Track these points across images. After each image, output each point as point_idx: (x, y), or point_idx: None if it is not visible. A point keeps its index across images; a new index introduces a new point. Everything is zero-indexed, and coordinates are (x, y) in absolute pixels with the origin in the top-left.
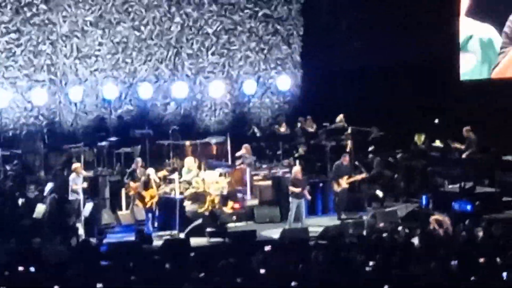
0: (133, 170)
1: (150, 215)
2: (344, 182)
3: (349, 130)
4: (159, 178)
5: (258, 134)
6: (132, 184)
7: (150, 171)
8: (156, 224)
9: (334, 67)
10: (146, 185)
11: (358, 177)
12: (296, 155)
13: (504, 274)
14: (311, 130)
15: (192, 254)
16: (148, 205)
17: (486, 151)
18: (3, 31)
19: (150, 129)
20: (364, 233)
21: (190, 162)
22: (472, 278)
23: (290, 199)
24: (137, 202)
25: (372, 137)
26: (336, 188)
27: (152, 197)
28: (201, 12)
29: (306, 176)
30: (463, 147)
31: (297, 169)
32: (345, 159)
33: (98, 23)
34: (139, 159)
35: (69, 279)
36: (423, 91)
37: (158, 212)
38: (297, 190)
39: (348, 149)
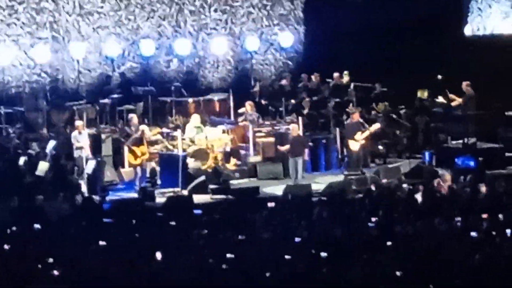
0: (126, 126)
1: (139, 171)
2: (359, 139)
3: (352, 86)
4: (155, 134)
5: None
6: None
7: (144, 127)
8: (145, 181)
9: (337, 23)
10: (138, 141)
11: (373, 129)
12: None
13: (508, 231)
14: (314, 86)
15: (195, 211)
16: (138, 162)
17: (489, 106)
18: None
19: (152, 86)
20: (367, 189)
21: (196, 120)
22: (474, 233)
23: (289, 159)
24: (128, 157)
25: (375, 93)
26: (353, 146)
27: (143, 154)
28: None
29: (305, 136)
30: (459, 100)
31: (293, 127)
32: (355, 115)
33: None
34: (133, 115)
35: (72, 237)
36: (427, 46)
37: (161, 169)
38: (283, 148)
39: (350, 106)
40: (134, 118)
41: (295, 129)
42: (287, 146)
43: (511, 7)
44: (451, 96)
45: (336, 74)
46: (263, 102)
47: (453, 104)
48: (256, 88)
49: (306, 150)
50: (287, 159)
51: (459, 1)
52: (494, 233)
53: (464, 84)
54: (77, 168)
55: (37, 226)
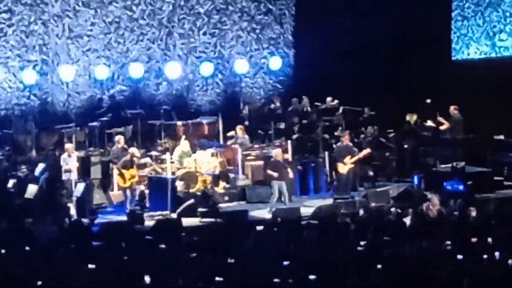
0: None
1: (129, 194)
2: (348, 162)
3: (341, 110)
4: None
5: (246, 113)
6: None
7: (133, 150)
8: (134, 204)
9: (326, 46)
10: (128, 164)
11: (362, 154)
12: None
13: (497, 253)
14: (305, 110)
15: (184, 234)
16: (127, 185)
17: (478, 130)
18: None
19: (142, 109)
20: (356, 212)
21: (185, 145)
22: (460, 256)
23: (272, 182)
24: (117, 180)
25: (364, 116)
26: (341, 169)
27: (132, 177)
28: None
29: (287, 159)
30: (447, 124)
31: (276, 151)
32: (345, 139)
33: (90, 2)
34: (120, 137)
35: (61, 259)
36: (415, 70)
37: (150, 192)
38: (274, 174)
39: (339, 130)
40: (121, 139)
41: (278, 153)
42: (276, 173)
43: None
44: (440, 119)
45: (328, 99)
46: (252, 125)
47: (441, 128)
48: (245, 111)
49: (289, 171)
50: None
51: (448, 26)
52: (483, 256)
53: (452, 108)
54: (66, 191)
55: (25, 248)
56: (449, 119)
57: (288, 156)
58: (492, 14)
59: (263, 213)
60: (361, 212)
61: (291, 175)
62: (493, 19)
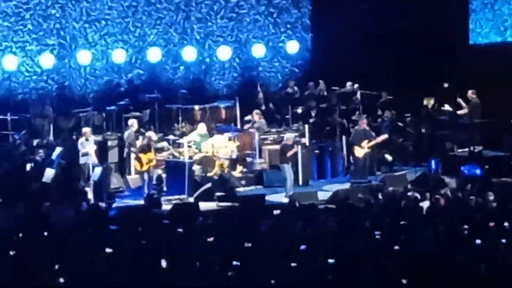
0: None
1: (146, 178)
2: (365, 146)
3: (359, 94)
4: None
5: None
6: (133, 148)
7: (150, 134)
8: (151, 188)
9: (344, 31)
10: (145, 148)
11: (379, 139)
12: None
13: None
14: (321, 94)
15: (201, 218)
16: (144, 169)
17: (495, 114)
18: None
19: (159, 93)
20: (374, 197)
21: (202, 128)
22: (479, 241)
23: (282, 166)
24: (135, 164)
25: (382, 101)
26: (358, 153)
27: (150, 161)
28: None
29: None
30: (465, 106)
31: (288, 135)
32: (363, 123)
33: None
34: (133, 121)
35: (78, 243)
36: (433, 54)
37: (167, 176)
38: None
39: (356, 114)
40: (135, 123)
41: (290, 137)
42: (293, 150)
43: None
44: (459, 100)
45: (349, 83)
46: (268, 109)
47: (459, 112)
48: (260, 95)
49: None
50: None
51: (466, 10)
52: (500, 241)
53: (470, 92)
54: (83, 175)
55: (43, 232)
56: (467, 104)
57: (305, 140)
58: None
59: (280, 197)
60: (379, 196)
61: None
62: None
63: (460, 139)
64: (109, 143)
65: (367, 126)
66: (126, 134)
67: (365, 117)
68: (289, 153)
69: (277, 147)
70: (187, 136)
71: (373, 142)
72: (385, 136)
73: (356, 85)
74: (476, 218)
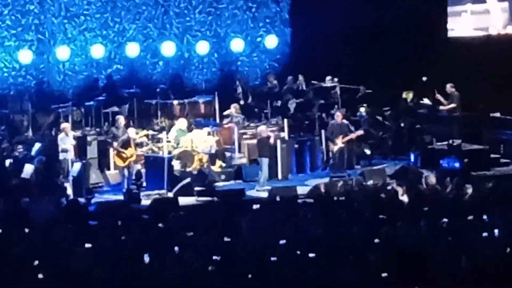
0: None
1: (126, 173)
2: (340, 141)
3: (338, 89)
4: (145, 136)
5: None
6: (115, 143)
7: (130, 130)
8: (130, 184)
9: (323, 25)
10: (125, 143)
11: (354, 135)
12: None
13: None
14: (300, 88)
15: (181, 213)
16: (125, 164)
17: (474, 108)
18: None
19: (138, 88)
20: (353, 190)
21: (182, 123)
22: (460, 234)
23: (260, 159)
24: (115, 160)
25: (360, 95)
26: (333, 147)
27: (130, 156)
28: None
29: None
30: (446, 102)
31: (260, 128)
32: (339, 117)
33: None
34: (120, 116)
35: (58, 239)
36: (411, 48)
37: (146, 171)
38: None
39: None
40: (121, 119)
41: (263, 130)
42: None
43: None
44: (438, 96)
45: (328, 77)
46: (248, 104)
47: (443, 108)
48: (239, 90)
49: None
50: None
51: (444, 3)
52: (479, 234)
53: (448, 86)
54: (63, 171)
55: (22, 228)
56: (446, 97)
57: (285, 134)
58: None
59: (259, 191)
60: (358, 190)
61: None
62: None
63: (439, 133)
64: (89, 138)
65: (344, 120)
66: (111, 129)
67: (341, 111)
68: (272, 140)
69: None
70: (169, 132)
71: (347, 138)
72: (360, 132)
73: (335, 79)
74: (454, 211)
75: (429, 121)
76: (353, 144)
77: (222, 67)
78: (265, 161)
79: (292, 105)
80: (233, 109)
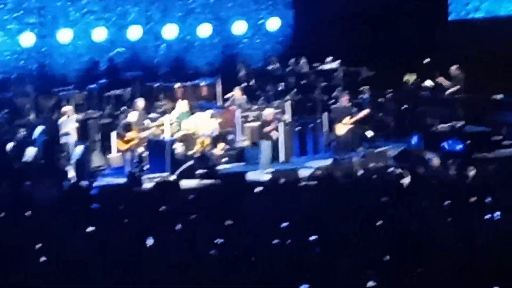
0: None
1: (128, 157)
2: (348, 122)
3: (339, 71)
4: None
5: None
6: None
7: (131, 114)
8: (133, 167)
9: (325, 7)
10: (127, 127)
11: (361, 115)
12: (288, 96)
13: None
14: (303, 71)
15: (183, 196)
16: (126, 147)
17: (476, 90)
18: None
19: (140, 71)
20: (355, 173)
21: (183, 106)
22: (462, 217)
23: (261, 141)
24: (117, 142)
25: (362, 77)
26: (340, 130)
27: (132, 139)
28: None
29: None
30: (449, 83)
31: (267, 111)
32: (344, 99)
33: None
34: (139, 99)
35: (60, 222)
36: (413, 30)
37: (148, 154)
38: (269, 129)
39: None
40: (139, 101)
41: (269, 114)
42: (271, 127)
43: None
44: (441, 79)
45: (328, 59)
46: (250, 86)
47: (448, 91)
48: (241, 72)
49: (274, 132)
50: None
51: None
52: (482, 216)
53: (454, 68)
54: (65, 154)
55: (24, 211)
56: (451, 79)
57: (287, 117)
58: None
59: (262, 174)
60: (360, 172)
61: (274, 136)
62: None
63: (441, 115)
64: (91, 121)
65: (348, 103)
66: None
67: (345, 94)
68: (266, 129)
69: (259, 123)
70: (171, 115)
71: (354, 118)
72: (366, 111)
73: (338, 61)
74: (457, 194)
75: (431, 103)
76: (357, 127)
77: (224, 50)
78: (265, 144)
79: (294, 87)
80: (237, 91)
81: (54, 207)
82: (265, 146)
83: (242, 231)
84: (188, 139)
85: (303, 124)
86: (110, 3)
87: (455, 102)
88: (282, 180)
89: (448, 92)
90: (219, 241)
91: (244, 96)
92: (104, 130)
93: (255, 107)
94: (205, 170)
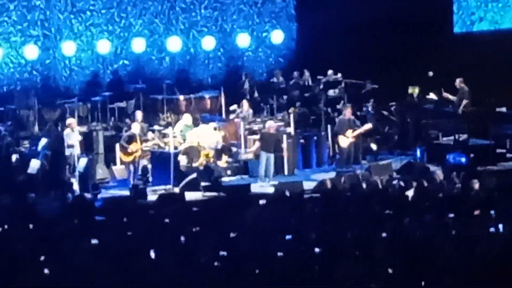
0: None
1: (132, 169)
2: (350, 136)
3: (343, 83)
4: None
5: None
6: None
7: (134, 125)
8: (137, 179)
9: (329, 20)
10: (130, 139)
11: (364, 128)
12: (291, 110)
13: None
14: (306, 84)
15: (187, 208)
16: (130, 159)
17: (480, 103)
18: None
19: (144, 83)
20: (359, 186)
21: (187, 119)
22: (465, 230)
23: (260, 152)
24: (120, 155)
25: (366, 90)
26: (343, 142)
27: (136, 151)
28: None
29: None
30: (454, 98)
31: (269, 123)
32: (347, 112)
33: None
34: (138, 111)
35: (64, 235)
36: (417, 43)
37: (152, 167)
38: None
39: (341, 103)
40: (138, 114)
41: (271, 125)
42: (253, 148)
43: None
44: (446, 95)
45: (330, 71)
46: (254, 99)
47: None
48: (246, 85)
49: (284, 146)
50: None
51: None
52: (485, 229)
53: (458, 81)
54: (69, 166)
55: (28, 224)
56: (455, 93)
57: (291, 129)
58: None
59: (266, 187)
60: (364, 185)
61: (284, 152)
62: None
63: (445, 128)
64: (95, 134)
65: (352, 115)
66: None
67: (350, 106)
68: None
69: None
70: (175, 128)
71: (357, 132)
72: (369, 126)
73: (339, 74)
74: (461, 207)
75: (435, 116)
76: (360, 139)
77: (228, 63)
78: (264, 155)
79: (298, 100)
80: (245, 104)
81: (58, 219)
82: (263, 158)
83: (246, 243)
84: (192, 152)
85: (307, 137)
86: (114, 15)
87: (458, 115)
88: (286, 193)
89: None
90: (222, 253)
91: (251, 110)
92: (108, 142)
93: (259, 120)
94: (209, 183)
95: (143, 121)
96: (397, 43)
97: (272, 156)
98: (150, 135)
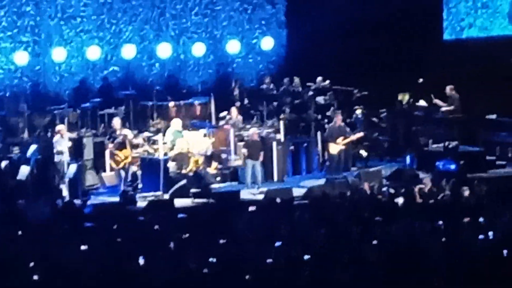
0: (112, 131)
1: (122, 175)
2: (340, 143)
3: (332, 90)
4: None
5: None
6: (110, 145)
7: (126, 131)
8: (126, 185)
9: (319, 27)
10: (121, 145)
11: (355, 137)
12: (282, 116)
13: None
14: (297, 90)
15: (177, 215)
16: (120, 166)
17: (470, 110)
18: None
19: (134, 90)
20: (349, 193)
21: (177, 124)
22: (456, 236)
23: (246, 161)
24: (110, 162)
25: (356, 96)
26: (333, 149)
27: (125, 158)
28: None
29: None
30: (445, 105)
31: (252, 130)
32: (338, 119)
33: None
34: (116, 118)
35: (53, 241)
36: (407, 50)
37: (142, 173)
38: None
39: (331, 110)
40: (116, 120)
41: (254, 133)
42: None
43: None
44: (436, 101)
45: (319, 78)
46: (244, 106)
47: (444, 109)
48: (235, 92)
49: (262, 153)
50: (269, 163)
51: (439, 5)
52: (475, 236)
53: (448, 88)
54: (58, 172)
55: (18, 230)
56: (445, 100)
57: (280, 136)
58: None
59: (255, 194)
60: (354, 192)
61: (261, 157)
62: None
63: (435, 135)
64: (84, 140)
65: (342, 122)
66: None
67: (340, 113)
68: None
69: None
70: (165, 134)
71: (348, 140)
72: (360, 134)
73: (327, 81)
74: (450, 214)
75: (425, 123)
76: (350, 146)
77: (218, 69)
78: (249, 163)
79: (288, 107)
80: (234, 110)
81: (47, 226)
82: (249, 166)
83: (236, 249)
84: (182, 158)
85: (297, 144)
86: (104, 22)
87: (448, 122)
88: (276, 199)
89: (443, 109)
90: (212, 259)
91: (240, 116)
92: (98, 149)
93: (249, 126)
94: (199, 189)
95: (120, 129)
96: (387, 49)
97: (258, 163)
98: (138, 140)
